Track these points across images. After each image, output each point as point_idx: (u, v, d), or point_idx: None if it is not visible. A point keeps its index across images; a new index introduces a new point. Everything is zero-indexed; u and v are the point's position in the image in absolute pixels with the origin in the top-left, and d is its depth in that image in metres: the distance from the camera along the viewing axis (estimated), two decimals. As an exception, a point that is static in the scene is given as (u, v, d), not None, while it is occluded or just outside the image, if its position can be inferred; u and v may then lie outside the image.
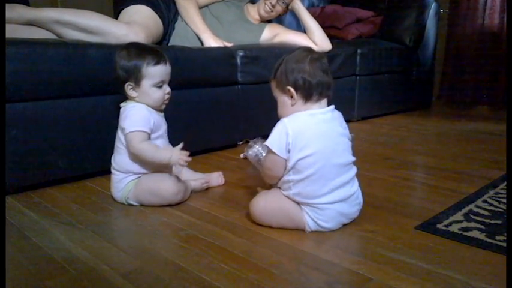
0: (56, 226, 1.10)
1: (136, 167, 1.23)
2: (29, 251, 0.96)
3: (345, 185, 1.04)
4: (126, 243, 1.01)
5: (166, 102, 1.27)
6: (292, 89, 1.03)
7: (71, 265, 0.90)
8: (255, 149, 1.25)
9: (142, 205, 1.23)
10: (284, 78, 1.04)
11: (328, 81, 1.03)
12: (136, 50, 1.22)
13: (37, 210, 1.21)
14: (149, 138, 1.22)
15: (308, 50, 1.06)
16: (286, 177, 1.05)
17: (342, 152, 1.05)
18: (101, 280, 0.85)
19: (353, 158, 1.07)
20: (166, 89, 1.25)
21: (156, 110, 1.26)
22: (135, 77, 1.20)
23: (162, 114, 1.29)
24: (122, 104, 1.26)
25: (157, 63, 1.20)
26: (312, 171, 1.00)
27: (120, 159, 1.24)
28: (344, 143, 1.06)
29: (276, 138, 1.02)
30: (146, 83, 1.20)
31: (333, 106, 1.07)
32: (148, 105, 1.23)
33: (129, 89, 1.21)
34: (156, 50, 1.25)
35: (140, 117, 1.20)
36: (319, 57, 1.04)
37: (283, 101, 1.07)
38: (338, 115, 1.09)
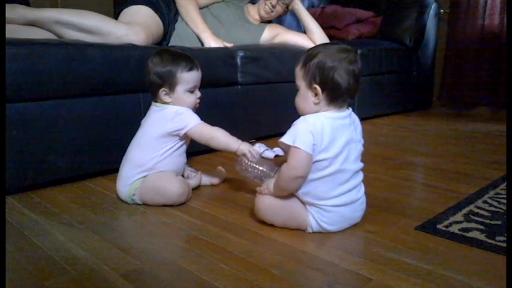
0: (56, 226, 1.10)
1: (152, 163, 1.23)
2: (28, 251, 0.96)
3: (352, 190, 1.04)
4: (127, 244, 1.01)
5: (197, 106, 1.30)
6: (319, 88, 0.99)
7: (71, 265, 0.90)
8: (259, 171, 1.24)
9: (143, 205, 1.24)
10: (316, 73, 0.98)
11: (356, 89, 1.00)
12: (170, 56, 1.25)
13: (37, 210, 1.21)
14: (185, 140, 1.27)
15: (347, 50, 0.99)
16: None
17: (355, 159, 1.04)
18: (101, 280, 0.85)
19: (362, 165, 1.06)
20: (198, 93, 1.29)
21: None
22: (170, 83, 1.23)
23: None
24: (157, 105, 1.27)
25: (190, 69, 1.24)
26: (325, 173, 1.00)
27: (141, 154, 1.24)
28: (358, 149, 1.05)
29: (302, 135, 0.97)
30: (180, 89, 1.24)
31: (351, 110, 1.05)
32: None
33: (163, 94, 1.24)
34: (189, 56, 1.28)
35: (191, 113, 1.26)
36: (356, 60, 0.99)
37: (306, 95, 1.02)
38: (354, 119, 1.06)
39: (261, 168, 1.23)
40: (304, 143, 0.97)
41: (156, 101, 1.28)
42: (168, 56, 1.24)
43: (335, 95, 0.99)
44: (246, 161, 1.24)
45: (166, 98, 1.25)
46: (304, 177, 1.00)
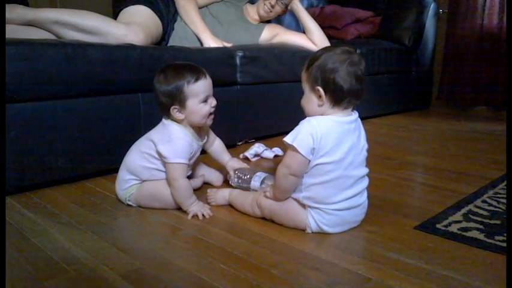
0: (56, 226, 1.10)
1: (146, 175, 1.22)
2: (28, 252, 0.96)
3: (356, 196, 1.03)
4: (126, 244, 1.01)
5: (212, 116, 1.23)
6: (321, 90, 0.98)
7: (70, 265, 0.90)
8: (255, 183, 1.31)
9: (141, 206, 1.23)
10: (318, 75, 0.98)
11: (359, 90, 0.98)
12: (173, 71, 1.17)
13: (36, 210, 1.21)
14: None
15: (349, 52, 0.98)
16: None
17: (359, 165, 1.04)
18: (100, 280, 0.85)
19: (367, 170, 1.06)
20: (213, 102, 1.21)
21: (199, 133, 1.25)
22: (179, 99, 1.16)
23: (203, 141, 1.29)
24: (165, 121, 1.22)
25: (197, 79, 1.16)
26: (327, 178, 0.99)
27: (136, 163, 1.22)
28: (362, 155, 1.05)
29: (302, 136, 0.97)
30: (191, 102, 1.17)
31: (357, 114, 1.05)
32: (194, 124, 1.21)
33: (175, 112, 1.17)
34: (193, 65, 1.20)
35: (184, 147, 1.18)
36: (359, 62, 0.98)
37: (310, 97, 1.02)
38: (360, 124, 1.06)
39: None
40: (301, 144, 0.97)
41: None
42: (171, 72, 1.16)
43: (338, 97, 0.98)
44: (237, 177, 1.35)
45: (180, 116, 1.18)
46: (297, 176, 1.01)
